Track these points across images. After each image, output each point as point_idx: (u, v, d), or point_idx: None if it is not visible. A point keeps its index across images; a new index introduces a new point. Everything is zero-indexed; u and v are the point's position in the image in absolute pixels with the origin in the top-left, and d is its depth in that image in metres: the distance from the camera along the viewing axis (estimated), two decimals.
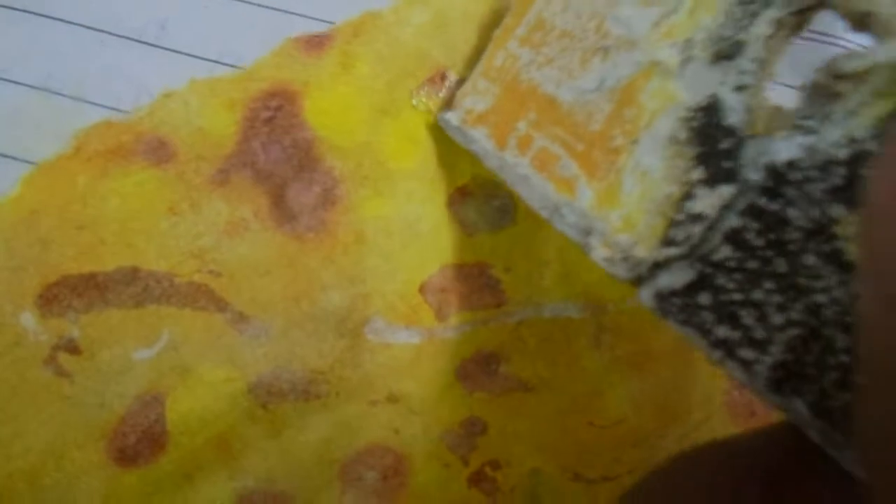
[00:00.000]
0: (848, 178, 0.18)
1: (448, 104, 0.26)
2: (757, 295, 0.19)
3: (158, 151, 0.26)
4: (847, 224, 0.18)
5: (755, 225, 0.19)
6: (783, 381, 0.19)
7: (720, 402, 0.28)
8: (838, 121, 0.19)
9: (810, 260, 0.19)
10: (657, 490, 0.21)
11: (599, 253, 0.21)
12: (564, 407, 0.28)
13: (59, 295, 0.26)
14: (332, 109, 0.27)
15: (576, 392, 0.28)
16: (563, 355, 0.28)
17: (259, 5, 0.27)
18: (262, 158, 0.27)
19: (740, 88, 0.20)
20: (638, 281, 0.21)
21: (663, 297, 0.20)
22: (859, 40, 0.28)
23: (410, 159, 0.27)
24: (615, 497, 0.27)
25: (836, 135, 0.19)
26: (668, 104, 0.21)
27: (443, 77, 0.27)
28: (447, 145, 0.27)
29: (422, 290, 0.27)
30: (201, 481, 0.27)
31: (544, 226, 0.27)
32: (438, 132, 0.27)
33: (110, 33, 0.27)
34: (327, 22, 0.27)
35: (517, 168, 0.23)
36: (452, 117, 0.25)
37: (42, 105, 0.26)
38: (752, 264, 0.19)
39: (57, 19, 0.27)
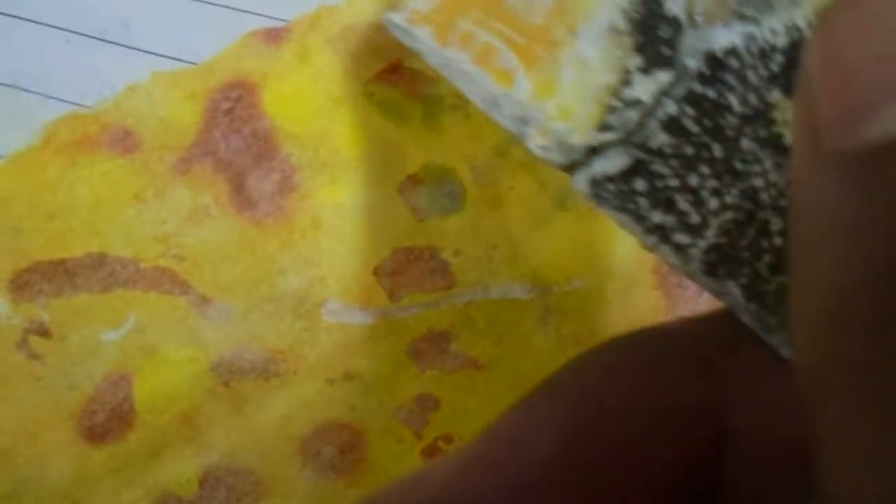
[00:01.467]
0: (786, 64, 0.19)
1: (393, 4, 0.26)
2: (693, 180, 0.20)
3: (124, 141, 0.28)
4: (784, 109, 0.19)
5: (692, 111, 0.20)
6: (717, 264, 0.19)
7: None
8: (779, 9, 0.19)
9: (747, 144, 0.19)
10: (578, 378, 0.21)
11: (535, 141, 0.21)
12: (514, 384, 0.29)
13: (31, 281, 0.27)
14: (289, 100, 0.28)
15: (524, 370, 0.29)
16: (511, 334, 0.29)
17: (219, 5, 0.28)
18: (223, 147, 0.28)
19: None
20: (572, 167, 0.21)
21: (598, 183, 0.20)
22: None
23: (364, 147, 0.28)
24: None
25: (776, 23, 0.19)
26: None
27: (396, 68, 0.29)
28: (400, 133, 0.28)
29: (375, 272, 0.28)
30: (168, 457, 0.28)
31: (493, 211, 0.29)
32: (391, 121, 0.28)
33: (75, 32, 0.28)
34: (285, 20, 0.28)
35: (458, 63, 0.23)
36: (397, 17, 0.24)
37: (10, 100, 0.28)
38: (689, 150, 0.20)
39: (24, 19, 0.28)
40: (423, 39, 0.24)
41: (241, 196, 0.28)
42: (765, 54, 0.19)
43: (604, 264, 0.29)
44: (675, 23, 0.20)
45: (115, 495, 0.27)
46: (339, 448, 0.28)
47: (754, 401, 0.19)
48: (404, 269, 0.29)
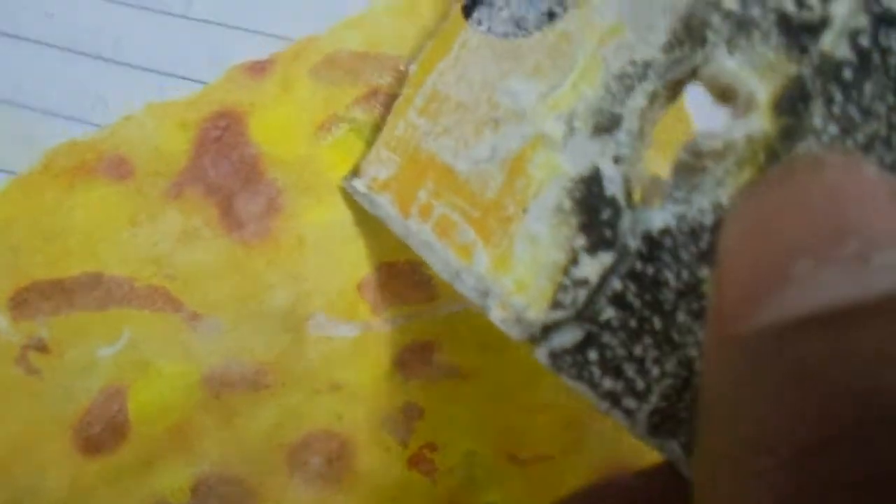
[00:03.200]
0: (713, 242, 0.20)
1: (355, 171, 0.28)
2: (637, 350, 0.21)
3: (119, 168, 0.29)
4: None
5: (634, 287, 0.21)
6: (660, 425, 0.21)
7: None
8: (706, 190, 0.20)
9: (682, 317, 0.21)
10: None
11: (496, 314, 0.23)
12: (496, 392, 0.30)
13: (29, 299, 0.29)
14: (274, 127, 0.30)
15: (507, 378, 0.30)
16: (493, 344, 0.30)
17: (211, 22, 0.30)
18: (212, 173, 0.29)
19: (618, 160, 0.22)
20: (533, 341, 0.23)
21: (556, 356, 0.22)
22: None
23: (347, 169, 0.30)
24: (550, 476, 0.30)
25: (704, 203, 0.20)
26: (553, 175, 0.23)
27: (374, 94, 0.30)
28: None
29: (359, 287, 0.30)
30: (161, 467, 0.29)
31: None
32: (369, 144, 0.30)
33: (72, 51, 0.30)
34: (276, 36, 0.30)
35: (420, 234, 0.25)
36: (359, 184, 0.27)
37: (10, 119, 0.29)
38: (633, 323, 0.21)
39: (23, 38, 0.30)
40: (384, 207, 0.26)
41: (230, 218, 0.29)
42: (694, 233, 0.20)
43: None
44: (614, 204, 0.22)
45: None
46: (326, 457, 0.29)
47: None
48: (387, 283, 0.30)
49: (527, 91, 0.24)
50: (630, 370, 0.21)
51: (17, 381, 0.28)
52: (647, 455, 0.29)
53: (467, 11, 0.26)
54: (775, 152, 0.20)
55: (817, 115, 0.20)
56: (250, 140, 0.30)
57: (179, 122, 0.30)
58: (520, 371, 0.30)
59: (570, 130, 0.23)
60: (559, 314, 0.22)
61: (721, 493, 0.15)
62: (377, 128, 0.30)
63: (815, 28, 0.20)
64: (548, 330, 0.22)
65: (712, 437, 0.16)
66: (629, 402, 0.21)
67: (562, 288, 0.22)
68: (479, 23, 0.26)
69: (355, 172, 0.28)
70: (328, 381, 0.29)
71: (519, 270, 0.23)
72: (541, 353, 0.23)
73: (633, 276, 0.21)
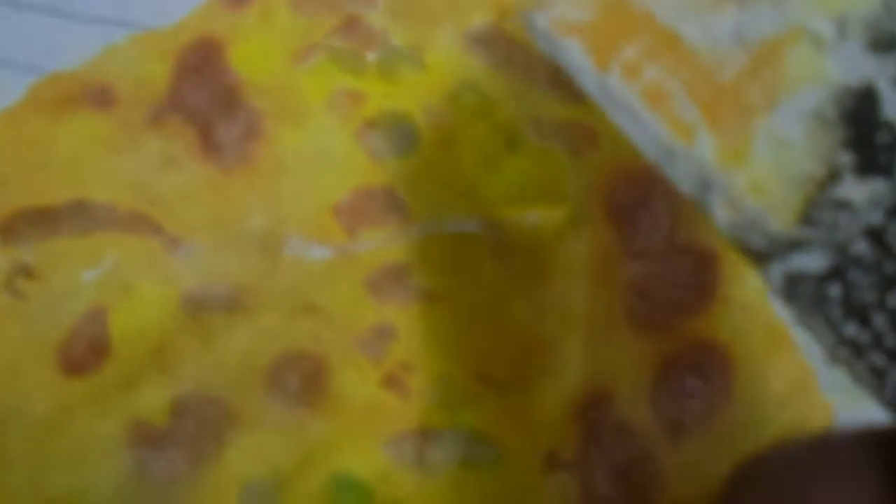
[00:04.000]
0: None
1: (537, 2, 0.22)
2: (892, 301, 0.18)
3: (102, 98, 0.30)
4: None
5: None
6: None
7: (620, 310, 0.30)
8: None
9: None
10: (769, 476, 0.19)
11: (722, 214, 0.19)
12: (469, 315, 0.30)
13: (15, 226, 0.30)
14: (254, 56, 0.31)
15: (479, 301, 0.30)
16: (466, 267, 0.30)
17: None
18: (192, 100, 0.30)
19: None
20: (767, 256, 0.19)
21: (794, 280, 0.19)
22: None
23: (324, 96, 0.30)
24: (522, 398, 0.30)
25: None
26: (815, 76, 0.20)
27: (351, 23, 0.31)
28: (357, 83, 0.30)
29: (334, 211, 0.30)
30: (141, 387, 0.29)
31: (446, 152, 0.30)
32: (348, 72, 0.30)
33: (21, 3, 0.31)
34: None
35: (621, 96, 0.21)
36: (540, 18, 0.21)
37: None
38: (889, 267, 0.18)
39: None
40: (572, 53, 0.21)
41: (209, 144, 0.30)
42: None
43: (555, 200, 0.30)
44: (892, 130, 0.19)
45: (92, 424, 0.29)
46: (302, 378, 0.30)
47: None
48: (362, 206, 0.30)
49: None
50: (879, 321, 0.18)
51: (4, 306, 0.29)
52: (624, 378, 0.29)
53: None
54: None
55: None
56: (230, 68, 0.30)
57: (160, 53, 0.31)
58: (492, 294, 0.30)
59: (842, 36, 0.20)
60: (810, 232, 0.19)
61: None
62: (354, 55, 0.31)
63: None
64: (791, 247, 0.19)
65: None
66: (877, 358, 0.18)
67: (816, 204, 0.19)
68: None
69: (538, 3, 0.22)
70: (303, 302, 0.30)
71: (757, 170, 0.19)
72: (776, 273, 0.19)
73: None
